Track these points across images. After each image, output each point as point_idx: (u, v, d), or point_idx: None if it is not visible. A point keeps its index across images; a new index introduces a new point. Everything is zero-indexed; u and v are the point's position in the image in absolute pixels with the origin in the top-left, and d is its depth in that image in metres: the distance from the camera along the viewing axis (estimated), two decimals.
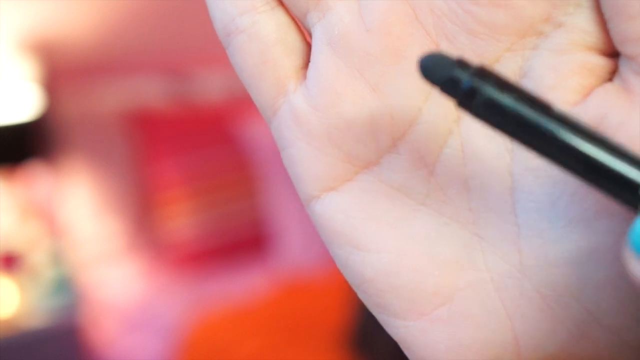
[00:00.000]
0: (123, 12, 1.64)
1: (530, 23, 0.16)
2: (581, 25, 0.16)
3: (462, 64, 0.14)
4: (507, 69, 0.17)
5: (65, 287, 1.69)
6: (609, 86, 0.16)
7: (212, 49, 1.46)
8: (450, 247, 0.18)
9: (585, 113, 0.16)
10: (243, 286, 1.63)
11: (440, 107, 0.18)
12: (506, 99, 0.14)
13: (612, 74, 0.16)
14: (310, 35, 0.19)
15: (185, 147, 1.82)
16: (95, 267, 1.75)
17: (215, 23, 0.19)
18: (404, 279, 0.18)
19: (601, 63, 0.16)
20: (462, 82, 0.14)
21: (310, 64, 0.18)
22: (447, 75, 0.14)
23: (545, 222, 0.17)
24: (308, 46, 0.19)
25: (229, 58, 0.19)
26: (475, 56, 0.17)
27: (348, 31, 0.18)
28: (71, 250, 1.73)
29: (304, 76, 0.19)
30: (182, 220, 1.79)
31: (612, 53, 0.16)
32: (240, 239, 1.83)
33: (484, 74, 0.14)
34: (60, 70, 1.79)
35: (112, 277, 1.75)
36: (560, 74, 0.16)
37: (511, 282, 0.17)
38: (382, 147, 0.18)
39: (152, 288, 1.73)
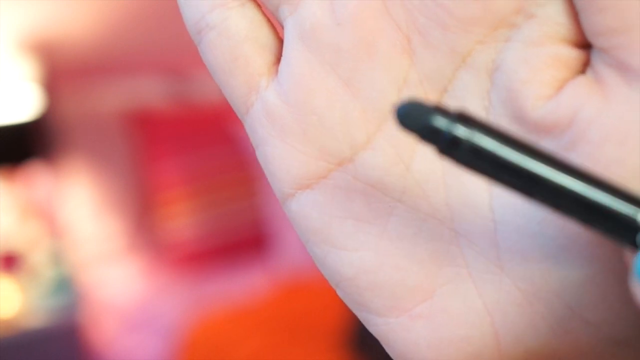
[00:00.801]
0: (123, 12, 1.64)
1: (502, 15, 0.16)
2: (553, 17, 0.16)
3: (440, 111, 0.14)
4: (480, 62, 0.17)
5: (65, 287, 1.69)
6: (581, 79, 0.16)
7: None
8: (428, 244, 0.18)
9: (559, 106, 0.16)
10: (243, 286, 1.63)
11: None
12: (491, 144, 0.14)
13: (584, 66, 0.16)
14: (282, 30, 0.18)
15: (185, 147, 1.82)
16: (95, 267, 1.75)
17: (186, 20, 0.18)
18: (383, 276, 0.18)
19: (574, 55, 0.16)
20: (443, 131, 0.14)
21: (282, 59, 0.18)
22: (425, 123, 0.14)
23: (521, 218, 0.17)
24: (280, 42, 0.19)
25: (200, 55, 0.19)
26: (446, 50, 0.17)
27: (319, 25, 0.17)
28: (71, 250, 1.73)
29: (276, 72, 0.18)
30: (182, 220, 1.79)
31: (585, 45, 0.16)
32: (240, 239, 1.82)
33: (465, 120, 0.14)
34: (60, 70, 1.79)
35: (112, 277, 1.75)
36: (533, 67, 0.16)
37: (490, 278, 0.17)
38: (356, 143, 0.18)
39: (152, 288, 1.73)
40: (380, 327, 0.18)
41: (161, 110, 1.89)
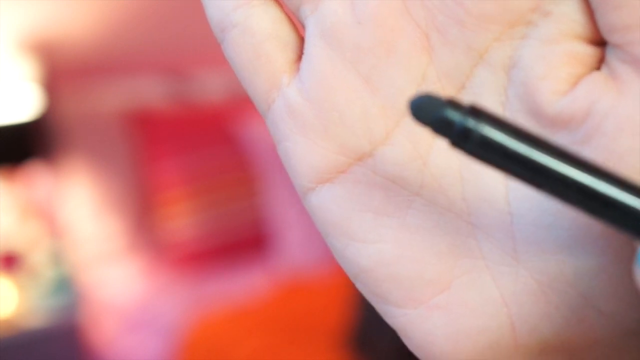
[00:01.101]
0: (123, 12, 1.64)
1: (519, 12, 0.16)
2: (569, 14, 0.16)
3: (453, 104, 0.14)
4: (496, 59, 0.17)
5: (65, 287, 1.69)
6: (596, 75, 0.16)
7: (212, 49, 1.46)
8: (446, 236, 0.18)
9: (574, 102, 0.16)
10: (243, 286, 1.63)
11: None
12: (501, 137, 0.14)
13: (600, 63, 0.17)
14: (303, 28, 0.19)
15: (185, 147, 1.82)
16: (95, 267, 1.75)
17: (211, 19, 0.19)
18: (401, 268, 0.18)
19: (589, 52, 0.16)
20: (455, 123, 0.14)
21: (304, 56, 0.19)
22: (438, 116, 0.14)
23: (537, 210, 0.17)
24: (301, 40, 0.19)
25: (224, 54, 0.19)
26: (464, 47, 0.17)
27: (340, 23, 0.18)
28: (71, 250, 1.73)
29: (298, 69, 0.19)
30: (182, 220, 1.79)
31: (600, 42, 0.16)
32: (240, 239, 1.82)
33: (476, 113, 0.14)
34: (60, 70, 1.79)
35: (112, 277, 1.75)
36: (550, 63, 0.16)
37: (506, 269, 0.18)
38: (375, 138, 0.18)
39: (152, 288, 1.73)
40: (398, 318, 0.19)
41: (161, 110, 1.89)
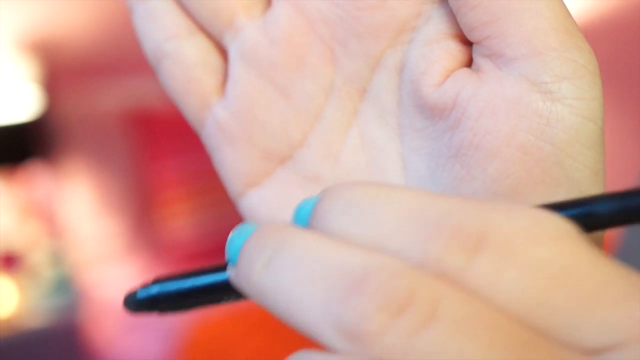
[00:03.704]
0: (123, 12, 1.64)
1: (405, 20, 0.19)
2: (447, 16, 0.19)
3: (140, 287, 0.18)
4: (390, 63, 0.19)
5: (65, 287, 1.69)
6: (463, 69, 0.18)
7: None
8: None
9: (445, 92, 0.18)
10: None
11: (339, 104, 0.20)
12: (170, 284, 0.18)
13: (471, 60, 0.19)
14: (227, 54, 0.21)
15: (185, 147, 1.82)
16: (95, 267, 1.75)
17: (145, 50, 0.21)
18: None
19: (462, 49, 0.19)
20: (148, 295, 0.18)
21: (228, 77, 0.21)
22: (135, 300, 0.18)
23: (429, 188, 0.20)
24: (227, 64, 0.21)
25: (159, 79, 0.22)
26: (363, 55, 0.20)
27: (257, 45, 0.20)
28: (71, 250, 1.73)
29: (225, 90, 0.21)
30: (182, 220, 1.79)
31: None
32: None
33: (156, 281, 0.18)
34: (60, 70, 1.79)
35: (112, 277, 1.75)
36: (429, 60, 0.19)
37: None
38: (293, 142, 0.21)
39: None
40: None
41: (161, 110, 1.89)
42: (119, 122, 1.87)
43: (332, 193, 0.15)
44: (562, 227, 0.13)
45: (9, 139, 1.72)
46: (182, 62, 0.21)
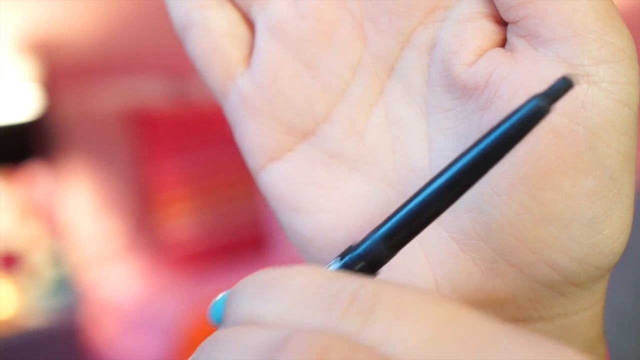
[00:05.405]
0: (123, 12, 1.64)
1: None
2: None
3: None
4: (421, 41, 0.19)
5: (65, 287, 1.69)
6: (497, 49, 0.18)
7: None
8: (379, 206, 0.20)
9: (477, 71, 0.18)
10: None
11: (366, 81, 0.20)
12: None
13: (505, 41, 0.19)
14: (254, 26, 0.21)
15: (185, 147, 1.82)
16: (95, 267, 1.75)
17: (173, 19, 0.21)
18: (340, 235, 0.20)
19: (496, 29, 0.18)
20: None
21: (254, 50, 0.21)
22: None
23: None
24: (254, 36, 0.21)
25: (185, 50, 0.21)
26: (393, 33, 0.19)
27: (285, 18, 0.20)
28: (71, 250, 1.73)
29: (250, 62, 0.21)
30: (182, 220, 1.79)
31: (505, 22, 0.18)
32: (240, 239, 1.83)
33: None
34: (60, 70, 1.79)
35: (112, 277, 1.75)
36: (461, 39, 0.18)
37: (430, 232, 0.19)
38: (317, 118, 0.20)
39: (152, 288, 1.74)
40: None
41: (161, 110, 1.89)
42: (119, 122, 1.87)
43: (241, 283, 0.16)
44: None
45: (9, 139, 1.72)
46: (209, 32, 0.21)
